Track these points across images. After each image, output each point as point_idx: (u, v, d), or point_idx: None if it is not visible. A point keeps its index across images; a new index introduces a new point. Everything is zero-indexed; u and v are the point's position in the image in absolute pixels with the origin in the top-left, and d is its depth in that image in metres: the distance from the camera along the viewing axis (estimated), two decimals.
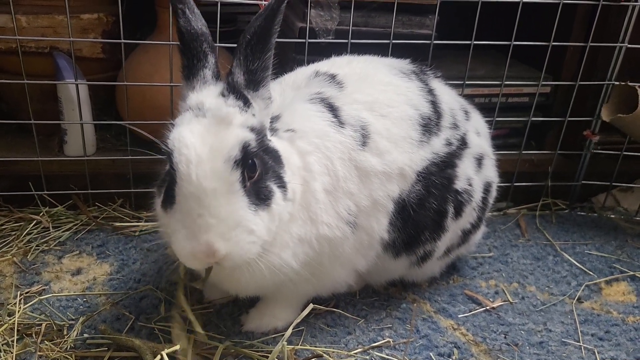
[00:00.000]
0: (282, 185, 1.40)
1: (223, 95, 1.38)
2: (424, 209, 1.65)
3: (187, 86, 1.43)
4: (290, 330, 1.49)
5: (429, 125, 1.66)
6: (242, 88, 1.39)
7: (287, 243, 1.46)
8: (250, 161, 1.33)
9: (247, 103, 1.38)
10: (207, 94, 1.39)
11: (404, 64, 1.80)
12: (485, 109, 2.14)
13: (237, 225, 1.30)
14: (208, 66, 1.43)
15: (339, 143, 1.53)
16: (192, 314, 1.50)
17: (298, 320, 1.51)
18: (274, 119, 1.52)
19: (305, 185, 1.48)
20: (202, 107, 1.35)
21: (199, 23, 1.44)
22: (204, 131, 1.31)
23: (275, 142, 1.46)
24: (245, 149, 1.31)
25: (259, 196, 1.35)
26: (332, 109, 1.57)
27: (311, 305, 1.52)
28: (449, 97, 1.79)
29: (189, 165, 1.28)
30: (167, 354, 1.45)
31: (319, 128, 1.53)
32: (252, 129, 1.35)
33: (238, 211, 1.30)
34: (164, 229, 1.44)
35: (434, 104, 1.70)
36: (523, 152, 2.42)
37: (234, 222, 1.30)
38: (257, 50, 1.37)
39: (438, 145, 1.68)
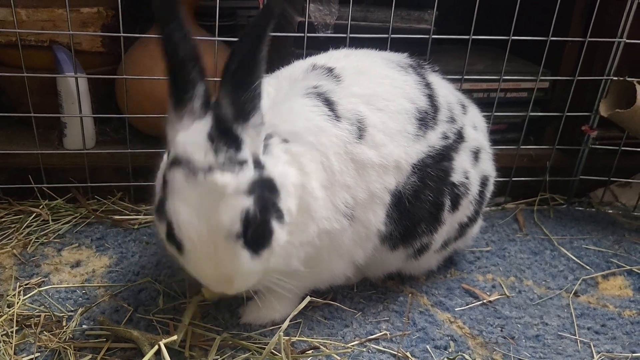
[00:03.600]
0: (280, 215, 1.40)
1: (211, 139, 1.30)
2: (420, 201, 1.65)
3: (175, 115, 1.35)
4: (287, 322, 1.50)
5: (426, 119, 1.67)
6: (232, 122, 1.32)
7: (292, 252, 1.50)
8: (254, 216, 1.32)
9: (238, 145, 1.32)
10: (194, 138, 1.32)
11: (402, 57, 1.80)
12: (484, 104, 2.13)
13: (241, 276, 1.38)
14: (197, 97, 1.33)
15: (335, 137, 1.53)
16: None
17: (295, 312, 1.51)
18: (268, 136, 1.46)
19: (302, 190, 1.48)
20: (192, 162, 1.29)
21: (187, 46, 1.30)
22: (198, 204, 1.29)
23: (268, 164, 1.40)
24: (246, 219, 1.30)
25: (261, 240, 1.37)
26: (329, 103, 1.57)
27: (308, 298, 1.53)
28: (446, 91, 1.79)
29: (192, 242, 1.32)
30: (164, 345, 1.46)
31: (313, 124, 1.52)
32: (248, 191, 1.31)
33: (242, 267, 1.36)
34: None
35: (431, 98, 1.71)
36: (521, 147, 2.42)
37: (238, 275, 1.38)
38: (244, 81, 1.30)
39: (434, 138, 1.68)
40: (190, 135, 1.32)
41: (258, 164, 1.37)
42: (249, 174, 1.32)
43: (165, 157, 1.44)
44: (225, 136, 1.31)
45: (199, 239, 1.31)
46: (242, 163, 1.32)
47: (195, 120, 1.34)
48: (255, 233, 1.34)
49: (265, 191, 1.36)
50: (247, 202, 1.30)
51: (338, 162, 1.52)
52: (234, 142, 1.32)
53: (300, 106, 1.55)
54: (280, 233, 1.40)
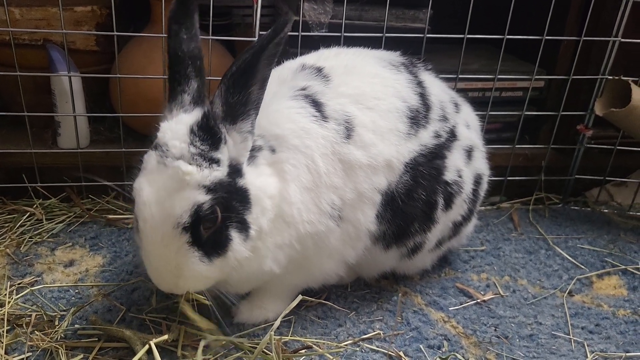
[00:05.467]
0: (244, 228, 1.42)
1: (192, 131, 1.36)
2: (412, 199, 1.65)
3: (168, 106, 1.44)
4: (278, 322, 1.49)
5: (417, 118, 1.66)
6: (219, 120, 1.39)
7: (265, 254, 1.50)
8: (207, 214, 1.35)
9: (215, 143, 1.37)
10: (176, 129, 1.38)
11: (394, 56, 1.80)
12: (479, 103, 2.14)
13: (187, 276, 1.41)
14: (188, 91, 1.43)
15: (322, 138, 1.53)
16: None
17: (287, 311, 1.51)
18: (258, 147, 1.50)
19: (279, 197, 1.49)
20: (167, 150, 1.35)
21: (191, 45, 1.44)
22: (161, 187, 1.35)
23: (249, 175, 1.44)
24: (196, 213, 1.34)
25: (216, 246, 1.40)
26: (316, 104, 1.56)
27: (300, 297, 1.52)
28: (438, 90, 1.79)
29: (145, 224, 1.37)
30: (155, 344, 1.46)
31: (299, 127, 1.52)
32: (209, 189, 1.35)
33: (187, 266, 1.39)
34: None
35: (423, 96, 1.70)
36: (517, 146, 2.42)
37: (184, 275, 1.40)
38: (240, 84, 1.36)
39: (426, 137, 1.68)
40: (173, 124, 1.40)
41: (236, 171, 1.42)
42: (216, 173, 1.36)
43: None
44: (205, 132, 1.37)
45: (151, 222, 1.36)
46: (212, 161, 1.37)
47: (182, 113, 1.42)
48: (210, 237, 1.38)
49: (233, 199, 1.39)
50: (203, 198, 1.34)
51: (325, 164, 1.52)
52: (212, 140, 1.37)
53: (286, 109, 1.55)
54: (239, 245, 1.42)
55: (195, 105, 1.43)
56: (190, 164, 1.34)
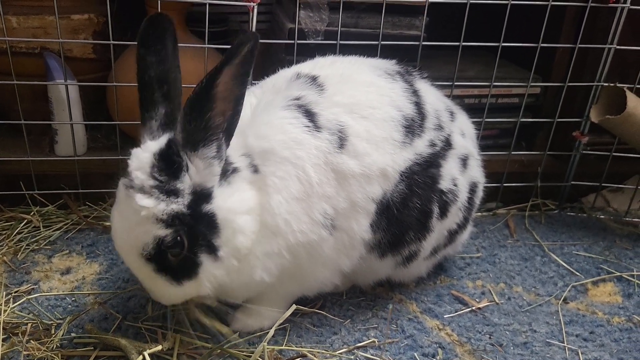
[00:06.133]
0: (213, 251, 1.43)
1: (153, 161, 1.36)
2: (407, 208, 1.65)
3: (140, 131, 1.46)
4: (272, 331, 1.50)
5: (412, 127, 1.66)
6: (179, 148, 1.38)
7: (254, 264, 1.51)
8: (170, 246, 1.37)
9: (175, 172, 1.37)
10: (142, 157, 1.38)
11: (389, 64, 1.80)
12: (475, 110, 2.15)
13: (160, 294, 1.49)
14: (155, 117, 1.44)
15: (314, 148, 1.53)
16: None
17: (280, 320, 1.52)
18: (235, 169, 1.49)
19: (261, 209, 1.49)
20: (132, 179, 1.37)
21: (159, 68, 1.44)
22: (125, 218, 1.39)
23: (219, 198, 1.43)
24: (158, 246, 1.36)
25: (185, 269, 1.42)
26: (309, 114, 1.56)
27: (294, 306, 1.53)
28: (433, 98, 1.79)
29: (120, 250, 1.46)
30: (150, 354, 1.46)
31: (291, 138, 1.52)
32: (167, 223, 1.35)
33: (160, 289, 1.46)
34: None
35: (418, 105, 1.70)
36: (513, 152, 2.43)
37: (160, 293, 1.49)
38: (196, 109, 1.33)
39: (421, 146, 1.68)
40: (140, 152, 1.40)
41: (202, 197, 1.41)
42: (173, 206, 1.37)
43: None
44: (165, 161, 1.37)
45: (121, 249, 1.45)
46: (171, 193, 1.37)
47: (150, 139, 1.42)
48: (177, 263, 1.41)
49: (199, 225, 1.40)
50: (163, 232, 1.36)
51: (317, 174, 1.52)
52: (173, 169, 1.38)
53: (278, 119, 1.55)
54: (210, 266, 1.44)
55: (165, 131, 1.43)
56: (148, 197, 1.35)
